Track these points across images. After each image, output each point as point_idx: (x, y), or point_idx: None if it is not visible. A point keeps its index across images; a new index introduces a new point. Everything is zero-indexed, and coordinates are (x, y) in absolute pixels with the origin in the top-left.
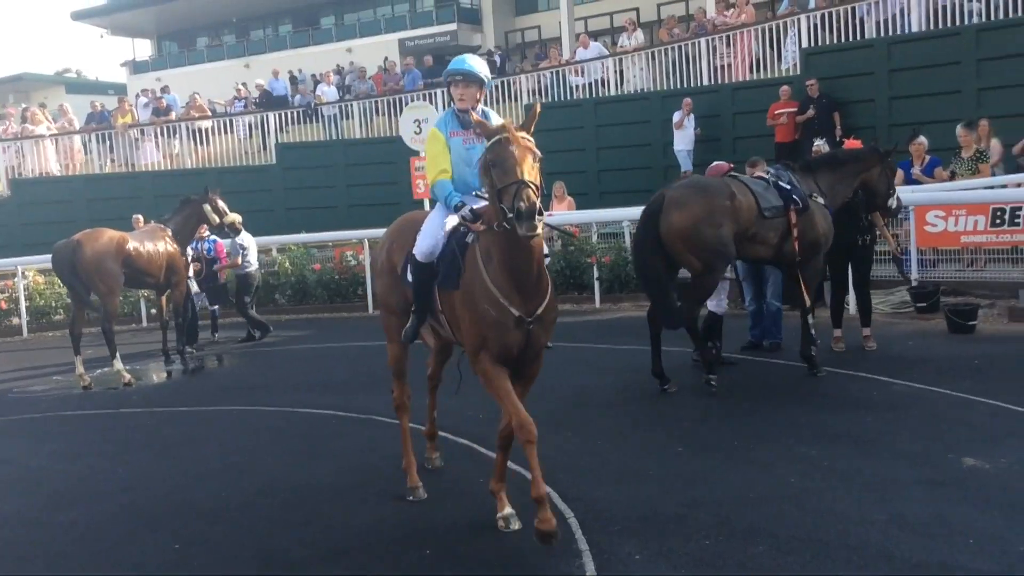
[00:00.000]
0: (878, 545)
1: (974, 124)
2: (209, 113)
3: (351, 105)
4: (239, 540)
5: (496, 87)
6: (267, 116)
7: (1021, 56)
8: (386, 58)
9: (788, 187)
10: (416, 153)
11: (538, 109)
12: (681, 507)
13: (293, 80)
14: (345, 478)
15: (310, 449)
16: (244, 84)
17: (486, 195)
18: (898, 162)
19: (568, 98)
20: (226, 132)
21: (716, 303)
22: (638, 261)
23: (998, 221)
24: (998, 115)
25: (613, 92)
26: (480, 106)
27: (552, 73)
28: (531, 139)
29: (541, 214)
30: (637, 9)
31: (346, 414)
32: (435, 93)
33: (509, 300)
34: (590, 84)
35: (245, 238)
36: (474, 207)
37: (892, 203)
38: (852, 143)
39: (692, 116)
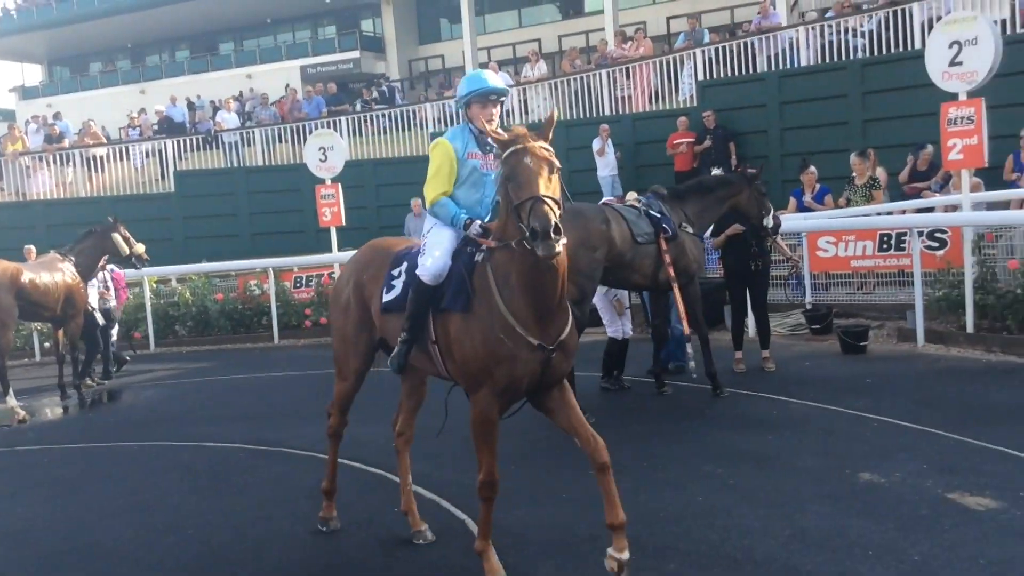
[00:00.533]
0: (782, 559)
1: (866, 153)
2: (104, 140)
3: (253, 132)
4: None
5: (400, 115)
6: (165, 143)
7: (902, 89)
8: (287, 85)
9: (658, 215)
10: (322, 181)
11: (555, 116)
12: (595, 527)
13: (191, 106)
14: (254, 512)
15: (218, 484)
16: (143, 110)
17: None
18: (791, 191)
19: None
20: (122, 159)
21: (614, 329)
22: None
23: (885, 246)
24: (882, 145)
25: (518, 121)
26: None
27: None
28: (549, 148)
29: (559, 232)
30: (539, 40)
31: (255, 447)
32: (339, 120)
33: (526, 328)
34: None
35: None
36: (483, 222)
37: (768, 222)
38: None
39: (610, 142)
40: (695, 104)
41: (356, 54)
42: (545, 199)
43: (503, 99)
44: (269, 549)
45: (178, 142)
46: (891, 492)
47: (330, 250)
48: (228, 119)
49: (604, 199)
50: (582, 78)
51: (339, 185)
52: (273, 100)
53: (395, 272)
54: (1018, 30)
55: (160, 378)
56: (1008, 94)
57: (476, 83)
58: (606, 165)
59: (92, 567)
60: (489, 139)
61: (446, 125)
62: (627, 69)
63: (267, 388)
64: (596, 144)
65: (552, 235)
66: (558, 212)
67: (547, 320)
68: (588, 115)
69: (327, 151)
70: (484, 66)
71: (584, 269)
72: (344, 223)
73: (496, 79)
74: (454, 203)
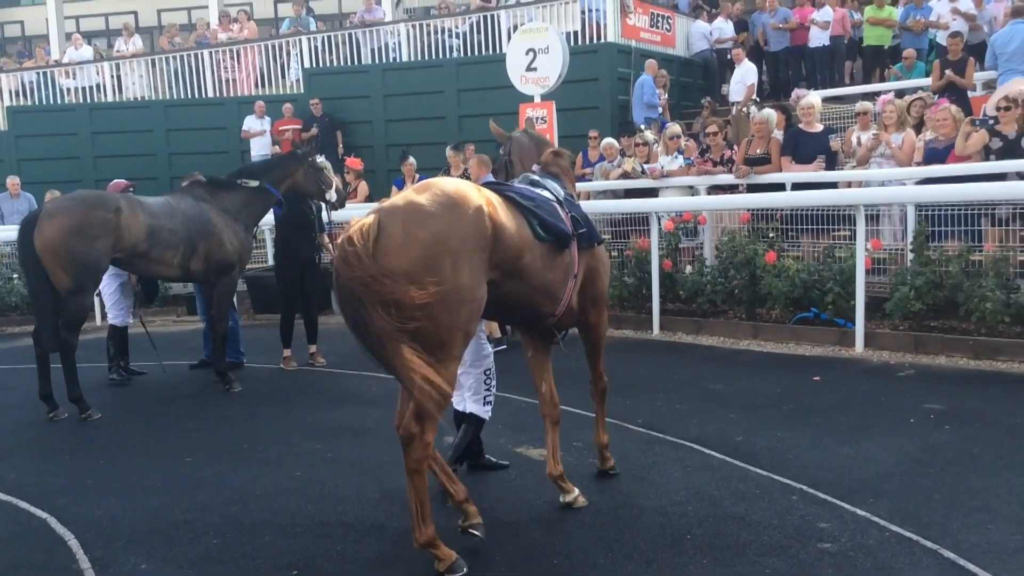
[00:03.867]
0: (372, 520)
1: (461, 147)
2: None
3: None
4: None
5: None
6: None
7: (491, 89)
8: None
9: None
10: None
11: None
12: (188, 512)
13: None
14: None
15: None
16: None
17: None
18: (394, 180)
19: (59, 102)
20: None
21: (116, 314)
22: (24, 276)
23: None
24: (475, 140)
25: (111, 98)
26: None
27: (39, 74)
28: None
29: None
30: (136, 12)
31: None
32: None
33: None
34: (84, 88)
35: None
36: None
37: (331, 196)
38: (352, 161)
39: (267, 119)
40: (302, 91)
41: None
42: None
43: None
44: None
45: None
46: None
47: None
48: None
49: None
50: (183, 56)
51: None
52: None
53: None
54: (585, 42)
55: None
56: (578, 98)
57: None
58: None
59: None
60: None
61: (26, 99)
62: (233, 51)
63: None
64: (252, 124)
65: None
66: None
67: None
68: (190, 95)
69: None
70: (69, 37)
71: (79, 259)
72: None
73: None
74: None
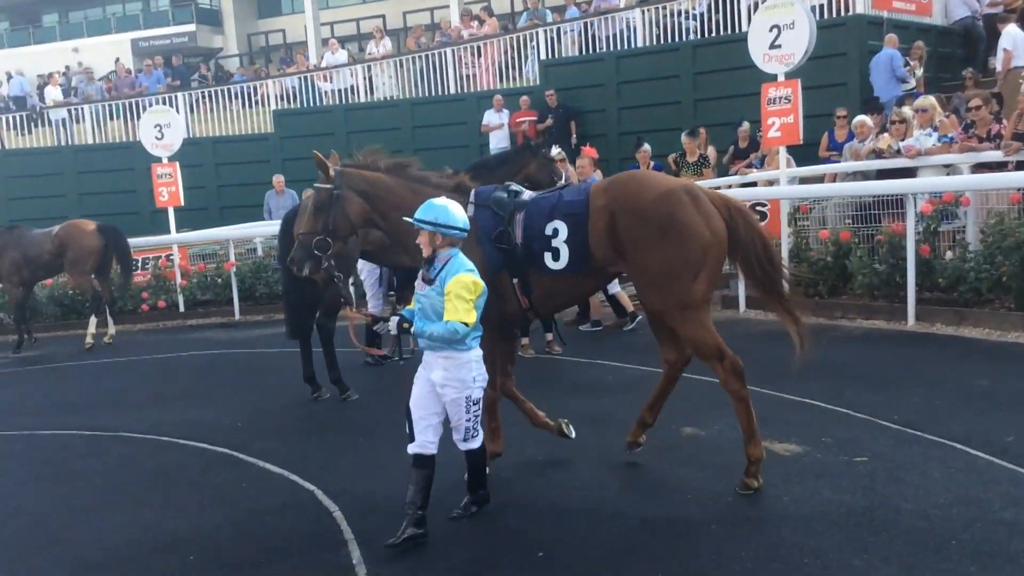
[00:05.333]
0: (612, 507)
1: (696, 132)
2: None
3: (82, 109)
4: None
5: (241, 90)
6: None
7: (729, 70)
8: (117, 59)
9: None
10: (158, 159)
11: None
12: (437, 491)
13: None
14: (95, 496)
15: (56, 470)
16: None
17: None
18: (628, 167)
19: (317, 104)
20: None
21: (374, 304)
22: (282, 268)
23: None
24: (711, 124)
25: (363, 99)
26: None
27: (300, 79)
28: None
29: None
30: (384, 16)
31: (93, 433)
32: (176, 97)
33: None
34: (340, 91)
35: None
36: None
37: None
38: (588, 150)
39: (505, 112)
40: (538, 83)
41: (192, 27)
42: None
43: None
44: (110, 529)
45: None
46: (710, 443)
47: (167, 231)
48: (55, 95)
49: None
50: (428, 56)
51: (177, 164)
52: (102, 75)
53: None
54: (833, 15)
55: None
56: (823, 75)
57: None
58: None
59: None
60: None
61: (289, 103)
62: (475, 47)
63: (102, 374)
64: (493, 118)
65: None
66: None
67: None
68: (433, 93)
69: (163, 128)
70: (326, 42)
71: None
72: (182, 203)
73: (427, 211)
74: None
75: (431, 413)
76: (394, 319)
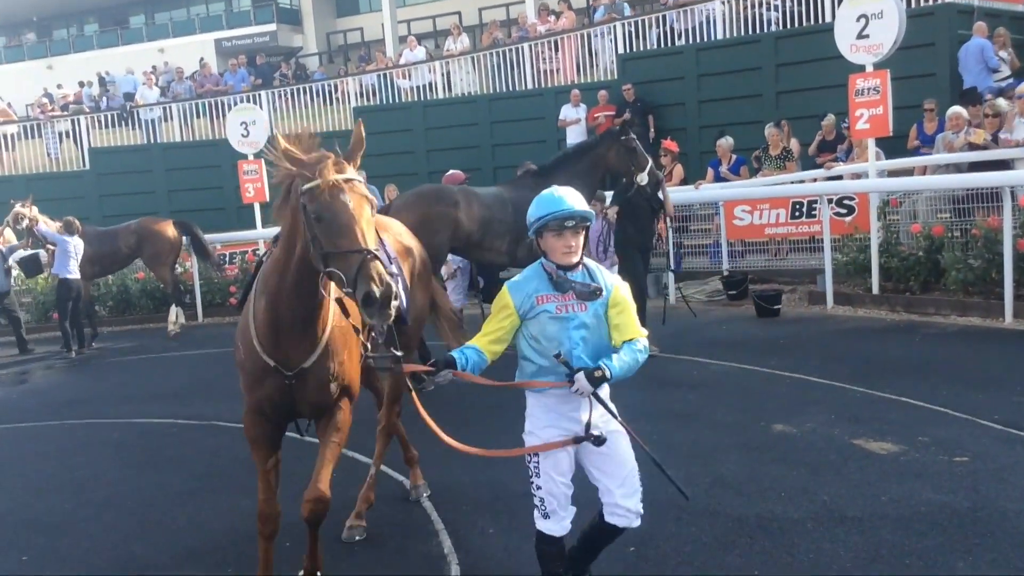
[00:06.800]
0: (704, 503)
1: (780, 124)
2: (13, 117)
3: (170, 107)
4: (90, 550)
5: (321, 89)
6: (78, 120)
7: (813, 62)
8: (202, 59)
9: None
10: (244, 156)
11: (363, 132)
12: (525, 484)
13: (102, 82)
14: (192, 483)
15: (153, 459)
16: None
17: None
18: (709, 161)
19: (396, 101)
20: (33, 137)
21: (456, 298)
22: None
23: (797, 214)
24: (794, 116)
25: (441, 95)
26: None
27: (379, 76)
28: (361, 180)
29: (396, 298)
30: (460, 13)
31: (186, 421)
32: (259, 95)
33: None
34: (418, 87)
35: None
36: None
37: (642, 179)
38: (669, 144)
39: (583, 107)
40: (615, 77)
41: (272, 27)
42: (376, 255)
43: (587, 225)
44: (209, 516)
45: (91, 119)
46: (802, 440)
47: (253, 227)
48: (148, 95)
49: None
50: (504, 51)
51: (262, 161)
52: (187, 75)
53: None
54: (921, 4)
55: (81, 358)
56: (911, 66)
57: (547, 206)
58: (580, 134)
59: (34, 542)
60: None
61: (368, 100)
62: (553, 42)
63: (194, 365)
64: (571, 112)
65: (391, 305)
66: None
67: (287, 342)
68: (510, 88)
69: (249, 126)
70: (403, 39)
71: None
72: (268, 199)
73: (575, 199)
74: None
75: (568, 483)
76: (445, 372)
